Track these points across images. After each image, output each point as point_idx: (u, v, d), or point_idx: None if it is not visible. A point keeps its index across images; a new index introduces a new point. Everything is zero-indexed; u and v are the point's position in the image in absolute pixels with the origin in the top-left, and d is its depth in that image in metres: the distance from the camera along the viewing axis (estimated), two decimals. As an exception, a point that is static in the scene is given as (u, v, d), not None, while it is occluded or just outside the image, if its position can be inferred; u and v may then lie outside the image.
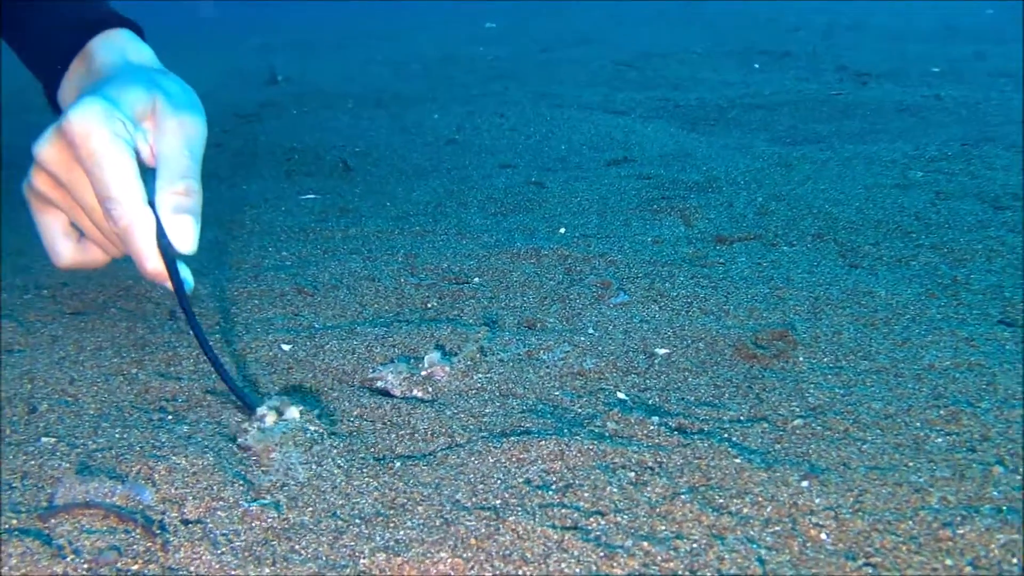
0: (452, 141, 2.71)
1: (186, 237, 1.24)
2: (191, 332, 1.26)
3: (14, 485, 1.05)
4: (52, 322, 1.44)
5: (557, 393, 1.29)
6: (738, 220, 2.01)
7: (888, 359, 1.40)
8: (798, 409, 1.26)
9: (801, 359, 1.41)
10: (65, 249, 1.37)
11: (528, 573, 0.90)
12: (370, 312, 1.55)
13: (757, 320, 1.52)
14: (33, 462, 1.10)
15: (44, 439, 1.15)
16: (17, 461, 1.10)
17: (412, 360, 1.35)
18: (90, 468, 1.06)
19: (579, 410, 1.25)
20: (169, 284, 1.25)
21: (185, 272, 1.29)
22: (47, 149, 1.26)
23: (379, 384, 1.31)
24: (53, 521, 0.98)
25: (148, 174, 1.29)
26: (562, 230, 1.91)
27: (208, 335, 1.44)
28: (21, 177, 1.34)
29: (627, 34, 5.34)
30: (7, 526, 0.97)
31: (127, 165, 1.22)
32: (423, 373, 1.32)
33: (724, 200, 2.13)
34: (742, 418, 1.23)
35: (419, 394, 1.29)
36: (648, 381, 1.34)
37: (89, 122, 1.21)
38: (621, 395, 1.30)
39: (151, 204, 1.24)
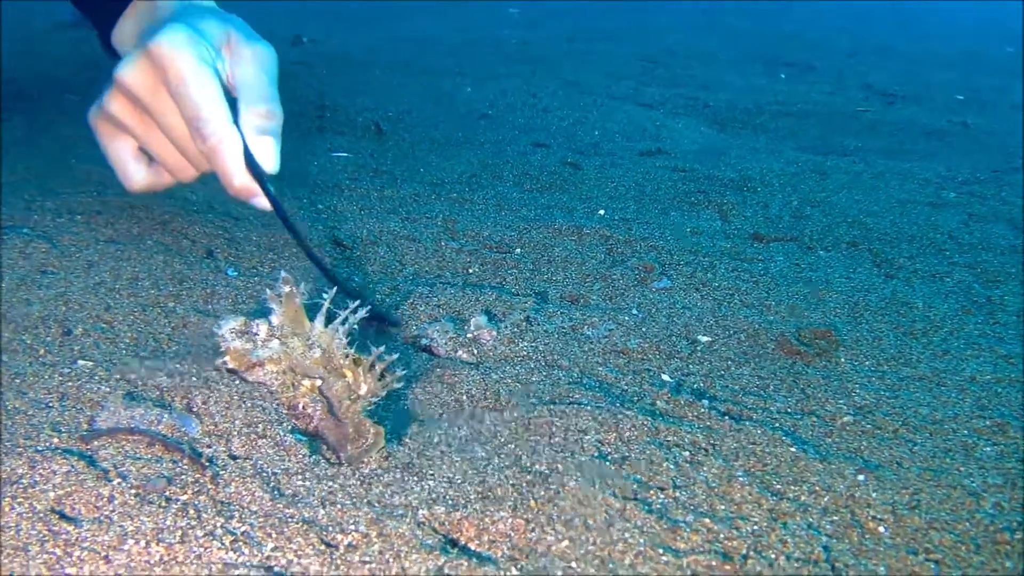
0: (485, 116, 2.68)
1: (269, 157, 1.28)
2: (294, 239, 1.31)
3: (51, 405, 1.01)
4: (87, 248, 1.39)
5: (601, 369, 1.27)
6: (774, 221, 1.99)
7: (929, 368, 1.39)
8: (845, 407, 1.25)
9: (843, 360, 1.40)
10: (138, 173, 1.40)
11: (592, 539, 0.88)
12: (411, 271, 1.51)
13: (799, 318, 1.50)
14: (70, 384, 1.06)
15: (81, 362, 1.11)
16: (53, 381, 1.06)
17: (458, 321, 1.32)
18: (133, 396, 1.02)
19: (625, 387, 1.23)
20: (257, 200, 1.29)
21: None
22: (132, 72, 1.28)
23: (424, 342, 1.28)
24: (96, 443, 0.94)
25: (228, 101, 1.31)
26: (601, 212, 1.88)
27: (247, 277, 1.40)
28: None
29: (650, 35, 5.32)
30: (48, 444, 0.93)
31: (215, 86, 1.25)
32: (469, 335, 1.29)
33: (759, 200, 2.11)
34: (790, 410, 1.22)
35: (464, 356, 1.26)
36: (691, 366, 1.32)
37: (178, 45, 1.24)
38: (665, 376, 1.28)
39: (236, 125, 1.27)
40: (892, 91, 3.89)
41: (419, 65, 3.43)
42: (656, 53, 4.38)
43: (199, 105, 1.23)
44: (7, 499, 0.83)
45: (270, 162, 1.28)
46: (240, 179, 1.26)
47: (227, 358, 1.07)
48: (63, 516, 0.82)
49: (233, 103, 1.29)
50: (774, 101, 3.44)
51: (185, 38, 1.25)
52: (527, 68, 3.60)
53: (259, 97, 1.28)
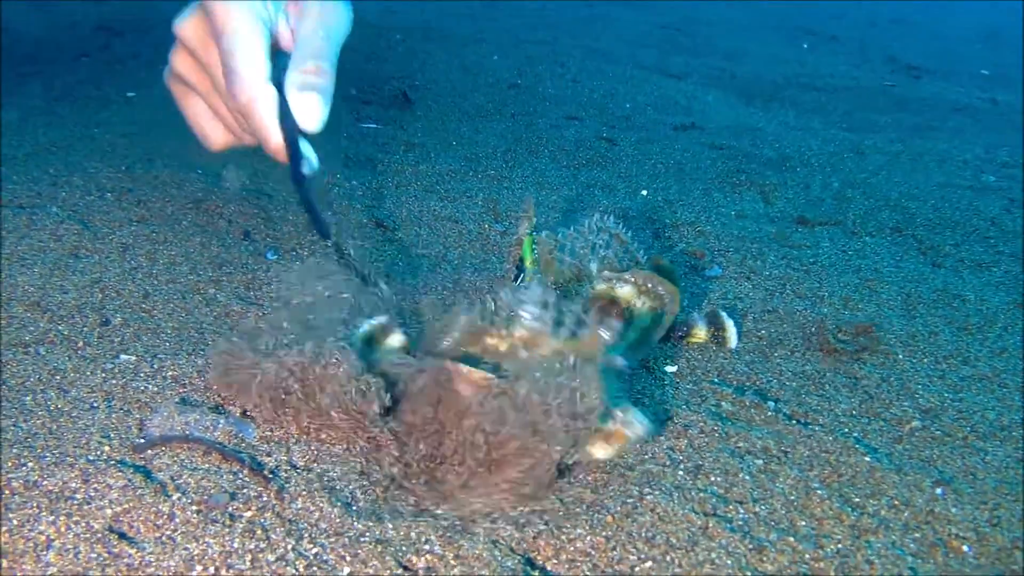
0: (514, 86, 2.60)
1: (312, 115, 1.16)
2: (305, 209, 1.23)
3: (97, 405, 0.96)
4: (120, 229, 1.33)
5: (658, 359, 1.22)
6: (816, 203, 1.94)
7: (989, 368, 1.35)
8: (911, 410, 1.20)
9: (901, 357, 1.35)
10: (215, 132, 1.28)
11: (677, 560, 0.84)
12: (455, 255, 1.46)
13: (853, 311, 1.46)
14: (115, 381, 1.00)
15: (123, 356, 1.06)
16: (96, 378, 1.01)
17: None
18: (186, 400, 0.97)
19: (681, 385, 1.18)
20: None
21: (309, 152, 1.19)
22: (187, 25, 1.19)
23: None
24: (150, 452, 0.89)
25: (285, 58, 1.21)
26: (644, 192, 1.82)
27: (288, 261, 1.34)
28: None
29: (668, -2, 5.20)
30: (99, 453, 0.88)
31: (257, 41, 1.15)
32: None
33: (800, 181, 2.05)
34: (855, 412, 1.18)
35: (518, 350, 1.21)
36: (743, 362, 1.27)
37: None
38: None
39: (278, 83, 1.16)
40: (917, 64, 3.81)
41: (438, 28, 3.33)
42: (675, 20, 4.28)
43: (237, 60, 1.13)
44: (62, 517, 0.78)
45: (313, 120, 1.16)
46: (276, 139, 1.16)
47: None
48: (123, 536, 0.77)
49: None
50: (801, 73, 3.36)
51: None
52: (549, 34, 3.50)
53: (310, 54, 1.17)
